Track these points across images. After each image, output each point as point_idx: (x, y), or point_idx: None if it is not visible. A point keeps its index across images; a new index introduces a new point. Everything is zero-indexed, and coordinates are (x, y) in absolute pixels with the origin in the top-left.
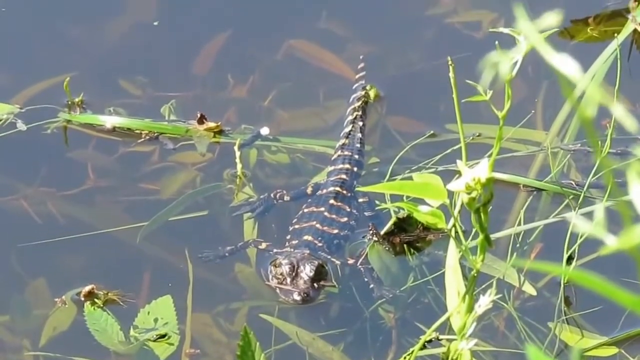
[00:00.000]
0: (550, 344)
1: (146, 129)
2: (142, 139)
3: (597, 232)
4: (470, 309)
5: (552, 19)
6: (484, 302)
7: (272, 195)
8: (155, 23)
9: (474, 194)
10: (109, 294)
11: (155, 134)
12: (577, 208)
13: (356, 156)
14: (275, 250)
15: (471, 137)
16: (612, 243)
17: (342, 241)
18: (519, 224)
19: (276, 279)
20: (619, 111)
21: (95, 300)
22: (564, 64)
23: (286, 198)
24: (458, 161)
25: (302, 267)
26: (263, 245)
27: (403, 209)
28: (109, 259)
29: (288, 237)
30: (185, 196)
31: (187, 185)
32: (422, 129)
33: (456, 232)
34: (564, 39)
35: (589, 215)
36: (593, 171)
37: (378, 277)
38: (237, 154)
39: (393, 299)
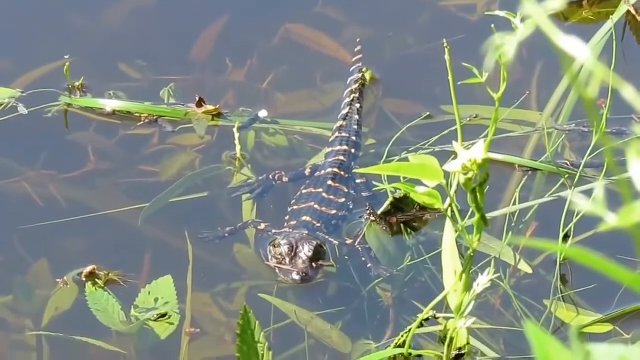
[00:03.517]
0: (546, 321)
1: (146, 112)
2: (142, 122)
3: (597, 209)
4: (467, 287)
5: (557, 1)
6: (483, 281)
7: (270, 176)
8: (67, 57)
9: (470, 175)
10: (110, 274)
11: (155, 117)
12: (573, 187)
13: (354, 138)
14: (274, 231)
15: (467, 119)
16: (611, 220)
17: (340, 221)
18: (515, 204)
19: (275, 259)
20: (629, 92)
21: (97, 280)
22: (572, 46)
23: (285, 179)
24: (454, 142)
25: (300, 247)
26: (262, 226)
27: (400, 190)
28: (109, 240)
29: (287, 217)
30: (185, 178)
31: (186, 168)
32: (418, 111)
33: (452, 212)
34: (559, 20)
35: (586, 194)
36: (589, 150)
37: (375, 257)
38: (236, 136)
39: (390, 278)
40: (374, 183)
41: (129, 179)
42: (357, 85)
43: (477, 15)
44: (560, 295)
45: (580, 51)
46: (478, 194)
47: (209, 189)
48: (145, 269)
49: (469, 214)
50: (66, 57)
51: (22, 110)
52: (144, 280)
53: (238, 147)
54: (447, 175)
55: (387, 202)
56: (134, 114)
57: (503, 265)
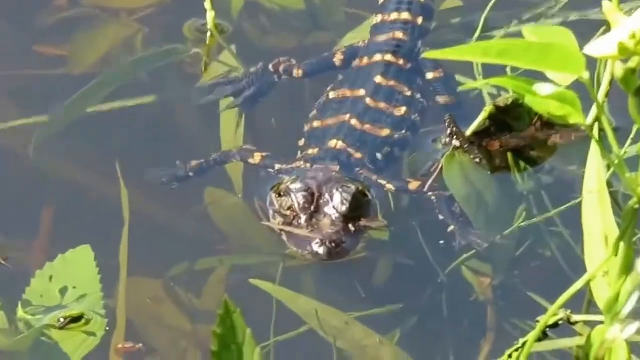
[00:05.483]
0: None
1: None
2: None
3: None
4: (626, 268)
5: None
6: None
7: (271, 67)
8: None
9: (633, 62)
10: None
11: None
12: None
13: None
14: (277, 167)
15: None
16: None
17: (397, 149)
18: None
19: (281, 216)
20: None
21: None
22: None
23: (297, 72)
24: (604, 3)
25: (326, 196)
26: (256, 158)
27: (506, 91)
28: None
29: (301, 142)
30: (116, 70)
31: (118, 50)
32: None
33: (601, 130)
34: None
35: None
36: None
37: (461, 213)
38: None
39: (489, 250)
40: (458, 79)
41: (15, 71)
42: None
43: None
44: None
45: None
46: None
47: (159, 88)
48: (43, 235)
49: (633, 135)
50: None
51: None
52: (40, 255)
53: (211, 13)
54: (590, 64)
55: (483, 115)
56: None
57: None
